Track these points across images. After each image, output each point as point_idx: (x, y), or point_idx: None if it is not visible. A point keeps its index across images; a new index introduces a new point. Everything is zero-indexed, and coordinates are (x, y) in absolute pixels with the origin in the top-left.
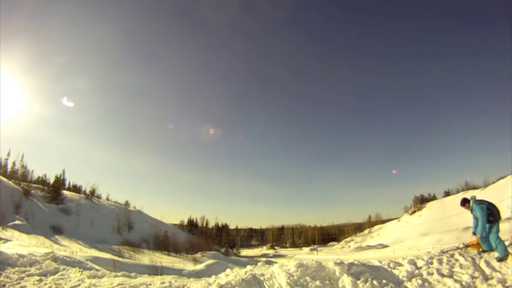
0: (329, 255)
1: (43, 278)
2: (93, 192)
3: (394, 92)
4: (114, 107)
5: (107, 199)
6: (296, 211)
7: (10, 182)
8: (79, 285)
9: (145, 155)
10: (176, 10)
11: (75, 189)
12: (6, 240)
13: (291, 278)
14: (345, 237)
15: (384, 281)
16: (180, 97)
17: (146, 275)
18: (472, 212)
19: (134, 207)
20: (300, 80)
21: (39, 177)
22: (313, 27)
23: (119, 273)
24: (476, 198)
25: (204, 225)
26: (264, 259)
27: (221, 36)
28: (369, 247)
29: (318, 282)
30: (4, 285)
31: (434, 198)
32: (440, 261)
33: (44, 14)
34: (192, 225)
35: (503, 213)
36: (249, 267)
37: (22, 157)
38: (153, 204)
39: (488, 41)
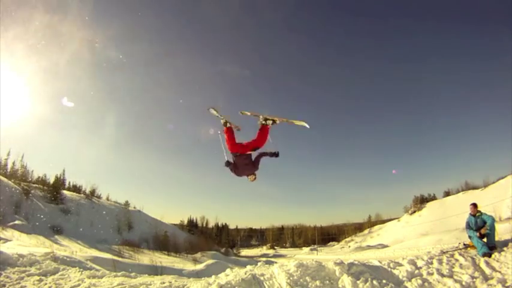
0: (329, 255)
1: (43, 278)
2: (93, 192)
3: (394, 92)
4: (114, 107)
5: (107, 199)
6: (296, 211)
7: (10, 182)
8: (79, 285)
9: (145, 154)
10: (176, 10)
11: (75, 189)
12: (6, 240)
13: (291, 278)
14: (345, 237)
15: (384, 281)
16: (180, 97)
17: (146, 275)
18: (477, 217)
19: (134, 207)
20: (299, 80)
21: (39, 177)
22: (313, 27)
23: (119, 273)
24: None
25: (204, 225)
26: (264, 259)
27: (221, 36)
28: (369, 247)
29: (318, 282)
30: (4, 285)
31: (434, 198)
32: (440, 261)
33: (45, 14)
34: (192, 225)
35: (503, 213)
36: (249, 267)
37: (22, 157)
38: (153, 204)
39: (488, 41)
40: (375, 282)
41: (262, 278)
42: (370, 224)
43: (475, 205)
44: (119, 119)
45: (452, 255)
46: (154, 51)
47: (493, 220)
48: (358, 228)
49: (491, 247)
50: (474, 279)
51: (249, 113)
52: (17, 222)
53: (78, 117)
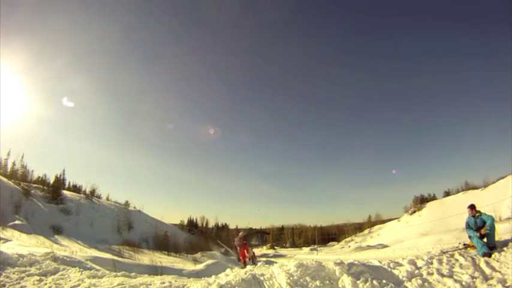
0: (329, 255)
1: (43, 278)
2: (93, 192)
3: (394, 92)
4: (114, 107)
5: (107, 199)
6: (296, 211)
7: (10, 182)
8: (79, 285)
9: (145, 155)
10: (176, 10)
11: (75, 189)
12: (6, 240)
13: (291, 278)
14: (345, 237)
15: (384, 281)
16: (180, 97)
17: (146, 275)
18: (476, 217)
19: (134, 207)
20: (300, 80)
21: (39, 177)
22: (313, 27)
23: (119, 273)
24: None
25: (204, 225)
26: (264, 259)
27: (221, 36)
28: (369, 247)
29: (318, 282)
30: (4, 285)
31: (434, 198)
32: (440, 261)
33: (45, 14)
34: (192, 225)
35: (503, 213)
36: (249, 267)
37: (22, 157)
38: (153, 204)
39: (489, 41)
40: (375, 282)
41: (262, 278)
42: (370, 224)
43: (472, 207)
44: (119, 119)
45: (452, 255)
46: (155, 51)
47: (493, 220)
48: (358, 228)
49: (491, 247)
50: (474, 279)
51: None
52: (17, 222)
53: (78, 117)
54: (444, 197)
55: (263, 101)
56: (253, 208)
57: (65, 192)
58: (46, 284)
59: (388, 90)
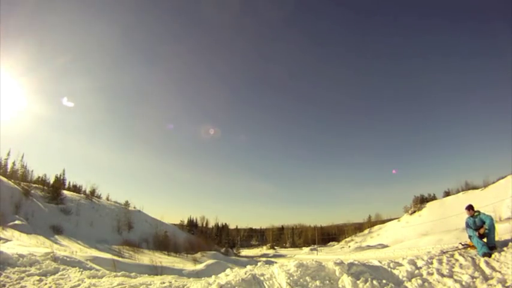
0: (329, 255)
1: (43, 278)
2: (93, 192)
3: (394, 92)
4: (114, 107)
5: (107, 199)
6: (296, 211)
7: (10, 182)
8: (79, 285)
9: (145, 155)
10: (176, 10)
11: (75, 189)
12: (6, 240)
13: (291, 278)
14: (345, 237)
15: (384, 281)
16: (180, 97)
17: (146, 275)
18: (475, 217)
19: (134, 207)
20: (300, 80)
21: (39, 177)
22: (313, 27)
23: (119, 273)
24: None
25: (204, 225)
26: (264, 259)
27: (221, 36)
28: (369, 247)
29: (318, 282)
30: (4, 285)
31: (434, 198)
32: (440, 261)
33: (44, 14)
34: (192, 225)
35: (503, 213)
36: (249, 267)
37: (22, 157)
38: (153, 204)
39: (488, 41)
40: (375, 282)
41: (262, 278)
42: (370, 224)
43: (470, 208)
44: (118, 119)
45: (452, 255)
46: (155, 51)
47: (492, 220)
48: (358, 228)
49: (491, 247)
50: (474, 279)
51: None
52: (17, 222)
53: (78, 117)
54: (444, 197)
55: (263, 100)
56: (253, 208)
57: (65, 192)
58: (46, 284)
59: (388, 90)
